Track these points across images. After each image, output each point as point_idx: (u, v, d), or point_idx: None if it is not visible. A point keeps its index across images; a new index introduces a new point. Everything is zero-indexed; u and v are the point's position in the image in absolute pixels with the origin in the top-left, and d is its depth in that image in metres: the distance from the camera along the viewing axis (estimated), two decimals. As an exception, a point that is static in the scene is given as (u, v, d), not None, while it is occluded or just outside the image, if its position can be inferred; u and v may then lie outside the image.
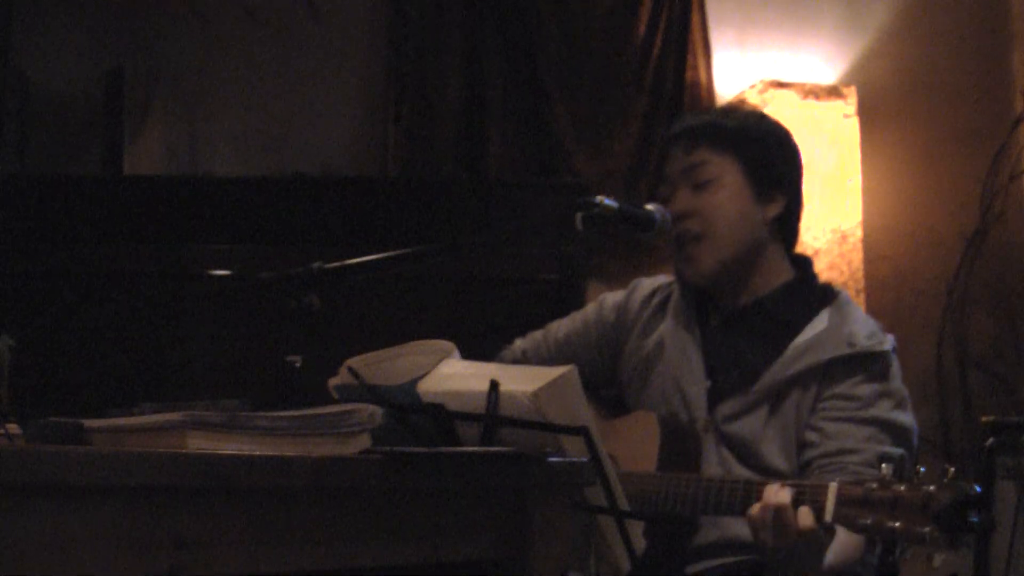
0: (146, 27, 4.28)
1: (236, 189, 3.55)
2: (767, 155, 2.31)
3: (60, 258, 3.31)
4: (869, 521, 1.80)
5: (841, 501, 1.85)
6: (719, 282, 2.31)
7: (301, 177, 3.81)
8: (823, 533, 1.89)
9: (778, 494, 1.90)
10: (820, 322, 2.27)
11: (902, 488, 1.78)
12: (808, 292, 2.32)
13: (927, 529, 1.73)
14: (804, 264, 2.36)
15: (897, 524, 1.76)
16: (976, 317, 4.49)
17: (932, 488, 1.75)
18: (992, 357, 4.45)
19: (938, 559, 1.74)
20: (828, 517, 1.85)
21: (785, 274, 2.32)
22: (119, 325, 3.28)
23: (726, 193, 2.27)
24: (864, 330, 2.24)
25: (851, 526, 1.84)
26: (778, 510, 1.89)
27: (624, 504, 1.79)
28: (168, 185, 3.69)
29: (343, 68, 4.40)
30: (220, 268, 3.31)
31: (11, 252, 3.32)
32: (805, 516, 1.87)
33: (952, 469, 1.78)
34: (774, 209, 2.31)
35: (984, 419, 2.65)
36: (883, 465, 1.83)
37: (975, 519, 1.72)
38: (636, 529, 1.83)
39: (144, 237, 3.38)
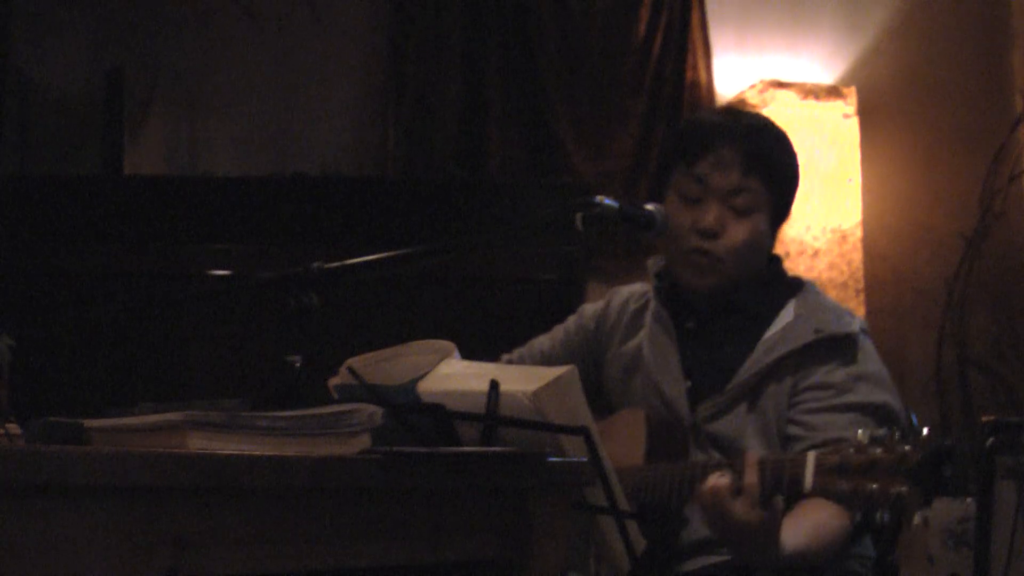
0: (146, 27, 4.28)
1: (236, 189, 3.55)
2: (791, 197, 2.36)
3: (60, 258, 3.32)
4: (847, 487, 1.81)
5: (819, 470, 1.85)
6: (711, 292, 2.32)
7: (301, 177, 3.81)
8: (767, 519, 1.89)
9: (718, 479, 1.91)
10: (787, 314, 2.28)
11: (878, 451, 1.79)
12: (775, 285, 2.34)
13: (903, 489, 1.75)
14: (773, 259, 2.39)
15: (874, 487, 1.78)
16: (976, 317, 4.49)
17: (907, 448, 1.77)
18: (992, 357, 4.45)
19: (917, 517, 1.75)
20: (807, 487, 1.86)
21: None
22: (119, 325, 3.28)
23: (757, 226, 2.29)
24: (830, 316, 2.25)
25: (831, 494, 1.85)
26: (714, 492, 1.90)
27: (624, 504, 1.79)
28: (168, 185, 3.69)
29: (343, 68, 4.40)
30: (220, 268, 3.31)
31: (11, 252, 3.32)
32: (743, 503, 1.88)
33: (927, 428, 1.79)
34: (774, 241, 2.37)
35: (984, 419, 2.64)
36: (859, 431, 1.84)
37: (948, 473, 1.73)
38: (636, 528, 1.83)
39: (144, 237, 3.39)
